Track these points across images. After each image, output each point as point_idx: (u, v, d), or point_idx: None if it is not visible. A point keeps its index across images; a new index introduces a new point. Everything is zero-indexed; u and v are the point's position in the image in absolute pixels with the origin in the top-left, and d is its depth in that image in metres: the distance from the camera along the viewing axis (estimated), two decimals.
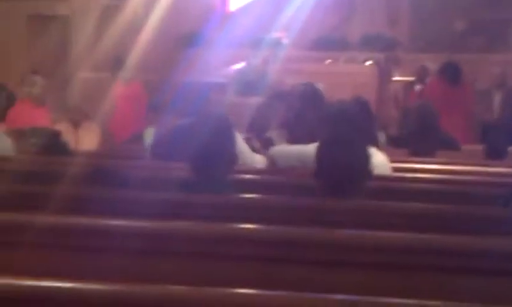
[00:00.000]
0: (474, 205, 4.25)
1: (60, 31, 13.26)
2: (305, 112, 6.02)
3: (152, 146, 6.08)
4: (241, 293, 2.23)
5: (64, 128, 8.93)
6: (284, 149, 5.72)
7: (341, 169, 4.11)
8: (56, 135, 7.07)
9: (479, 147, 8.34)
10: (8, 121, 8.27)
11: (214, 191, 4.13)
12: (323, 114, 5.77)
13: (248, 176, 5.07)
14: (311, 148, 5.30)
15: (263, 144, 6.06)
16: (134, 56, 11.99)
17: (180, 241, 3.17)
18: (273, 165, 5.55)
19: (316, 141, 4.99)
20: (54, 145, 6.75)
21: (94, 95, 11.33)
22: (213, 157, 4.28)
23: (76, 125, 9.16)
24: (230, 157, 4.38)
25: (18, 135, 7.33)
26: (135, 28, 13.04)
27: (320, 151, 4.20)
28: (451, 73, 12.05)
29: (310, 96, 6.34)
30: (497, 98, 12.66)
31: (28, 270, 2.35)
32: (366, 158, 4.23)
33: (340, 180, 4.09)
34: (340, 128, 4.98)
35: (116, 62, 11.66)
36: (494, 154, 7.81)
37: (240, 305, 2.24)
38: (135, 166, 5.26)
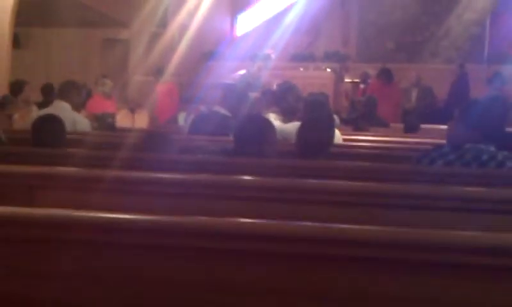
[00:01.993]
0: (397, 163, 4.24)
1: (123, 49, 13.24)
2: (287, 98, 6.00)
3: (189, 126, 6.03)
4: (244, 222, 2.19)
5: (124, 114, 8.91)
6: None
7: (315, 139, 4.11)
8: (107, 117, 7.13)
9: (401, 125, 8.35)
10: (87, 109, 8.25)
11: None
12: (301, 102, 5.75)
13: None
14: (290, 126, 5.29)
15: None
16: (171, 66, 11.99)
17: (202, 187, 3.15)
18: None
19: (295, 120, 4.97)
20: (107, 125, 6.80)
21: (144, 92, 11.30)
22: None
23: (132, 111, 9.14)
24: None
25: (94, 118, 7.31)
26: (172, 47, 13.02)
27: (302, 128, 4.19)
28: (385, 77, 12.06)
29: (288, 89, 6.31)
30: (414, 94, 12.68)
31: (100, 207, 2.32)
32: (332, 132, 4.23)
33: (314, 147, 4.09)
34: (316, 112, 4.96)
35: (158, 70, 11.68)
36: (410, 130, 7.82)
37: (244, 231, 2.19)
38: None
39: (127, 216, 2.20)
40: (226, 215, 2.21)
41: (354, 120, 8.67)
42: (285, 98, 6.01)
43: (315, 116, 4.57)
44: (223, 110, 5.95)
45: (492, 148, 3.67)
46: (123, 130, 6.97)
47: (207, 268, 2.14)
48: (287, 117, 5.76)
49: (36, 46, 13.62)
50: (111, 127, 7.10)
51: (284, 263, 2.11)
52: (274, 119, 5.79)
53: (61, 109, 6.17)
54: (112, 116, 7.65)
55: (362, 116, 8.86)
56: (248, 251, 2.13)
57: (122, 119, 8.48)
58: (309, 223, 2.16)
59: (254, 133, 4.10)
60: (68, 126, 5.43)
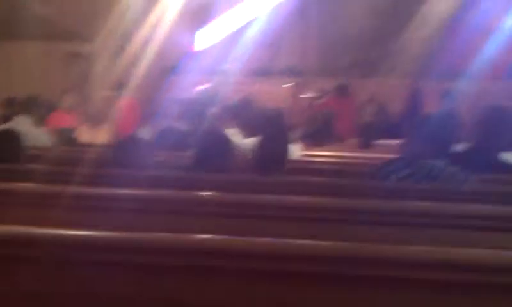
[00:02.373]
0: (351, 178, 4.27)
1: (85, 63, 13.15)
2: (247, 115, 6.00)
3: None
4: (203, 238, 2.18)
5: (85, 129, 8.84)
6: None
7: (271, 155, 4.12)
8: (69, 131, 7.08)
9: (356, 140, 8.41)
10: (49, 123, 8.16)
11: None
12: (258, 118, 5.76)
13: None
14: (249, 142, 5.30)
15: None
16: (133, 81, 11.93)
17: (161, 203, 3.14)
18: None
19: (254, 135, 4.98)
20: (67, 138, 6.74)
21: (106, 106, 11.23)
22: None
23: (94, 126, 9.08)
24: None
25: (55, 133, 7.24)
26: (134, 62, 12.96)
27: (259, 144, 4.19)
28: (341, 92, 12.15)
29: (247, 104, 6.32)
30: (369, 109, 12.79)
31: (59, 223, 2.30)
32: (288, 148, 4.24)
33: (270, 163, 4.10)
34: (270, 128, 4.97)
35: (120, 85, 11.61)
36: (365, 145, 7.88)
37: (202, 247, 2.18)
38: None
39: (86, 233, 2.18)
40: (185, 231, 2.21)
41: (311, 135, 8.71)
42: (242, 113, 6.02)
43: (271, 131, 4.57)
44: (182, 126, 5.93)
45: (442, 164, 3.72)
46: (84, 145, 6.91)
47: (166, 284, 2.13)
48: (245, 132, 5.76)
49: None
50: (72, 142, 7.03)
51: (242, 279, 2.11)
52: (234, 134, 5.80)
53: (22, 124, 6.09)
54: (72, 131, 7.58)
55: (319, 131, 8.90)
56: (206, 267, 2.12)
57: (83, 134, 8.41)
58: (266, 239, 2.16)
59: (213, 149, 4.10)
60: (29, 142, 5.36)
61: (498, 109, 4.67)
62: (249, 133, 5.74)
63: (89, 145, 6.67)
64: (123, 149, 4.48)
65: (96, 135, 8.71)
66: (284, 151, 4.20)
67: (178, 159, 4.69)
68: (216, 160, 4.05)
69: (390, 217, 2.96)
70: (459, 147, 4.34)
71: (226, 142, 4.18)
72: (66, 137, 7.15)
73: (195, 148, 4.25)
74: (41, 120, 6.69)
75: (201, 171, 4.02)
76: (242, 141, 5.63)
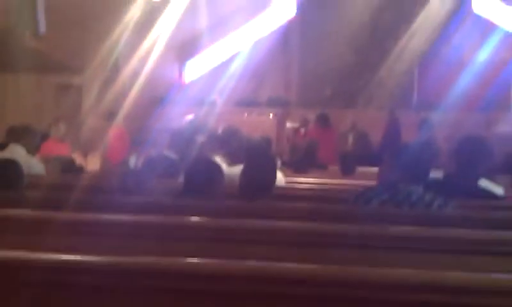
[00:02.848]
0: (333, 203, 4.28)
1: (76, 94, 13.16)
2: (231, 142, 5.99)
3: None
4: (193, 263, 2.18)
5: (77, 156, 8.80)
6: None
7: (256, 182, 4.12)
8: (72, 162, 7.00)
9: (338, 168, 8.42)
10: (41, 152, 8.12)
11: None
12: (244, 146, 5.76)
13: None
14: (235, 170, 5.30)
15: None
16: (122, 110, 11.94)
17: (152, 229, 3.12)
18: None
19: (239, 163, 4.99)
20: (71, 168, 6.68)
21: (97, 135, 11.22)
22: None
23: (85, 154, 9.05)
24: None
25: (47, 161, 7.20)
26: (124, 92, 12.98)
27: (244, 172, 4.20)
28: (323, 121, 12.21)
29: (233, 133, 6.32)
30: (350, 138, 12.87)
31: (53, 249, 2.28)
32: (273, 175, 4.25)
33: (255, 189, 4.10)
34: (256, 157, 4.97)
35: (110, 115, 11.61)
36: (347, 172, 7.90)
37: (190, 270, 2.17)
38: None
39: (78, 257, 2.17)
40: (174, 256, 2.20)
41: (294, 163, 8.73)
42: (228, 142, 6.03)
43: (257, 159, 4.58)
44: (171, 154, 5.92)
45: (420, 189, 3.75)
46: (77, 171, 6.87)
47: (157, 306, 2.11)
48: (231, 160, 5.76)
49: None
50: (78, 170, 6.97)
51: (230, 301, 2.10)
52: (221, 162, 5.79)
53: (16, 152, 6.05)
54: (71, 159, 7.55)
55: (302, 159, 8.92)
56: (195, 290, 2.11)
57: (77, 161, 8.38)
58: (253, 262, 2.16)
59: (202, 175, 4.10)
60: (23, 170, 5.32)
61: (473, 139, 4.74)
62: (235, 160, 5.73)
63: (82, 172, 6.65)
64: (114, 174, 4.48)
65: (88, 163, 8.71)
66: (270, 178, 4.20)
67: (168, 186, 4.68)
68: (204, 186, 4.05)
69: (373, 241, 2.96)
70: (436, 174, 4.37)
71: (215, 168, 4.18)
72: (67, 165, 7.10)
73: (184, 175, 4.24)
74: (34, 149, 6.66)
75: (190, 196, 4.01)
76: (228, 169, 5.62)
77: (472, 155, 4.37)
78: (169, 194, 4.18)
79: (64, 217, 3.16)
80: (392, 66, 15.53)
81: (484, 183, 4.36)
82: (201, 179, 4.06)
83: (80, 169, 7.06)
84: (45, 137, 9.04)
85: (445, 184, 4.27)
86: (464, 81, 13.28)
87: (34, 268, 2.15)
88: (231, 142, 6.01)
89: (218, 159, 5.81)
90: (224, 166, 5.64)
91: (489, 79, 13.62)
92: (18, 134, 6.39)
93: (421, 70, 15.49)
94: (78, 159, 8.72)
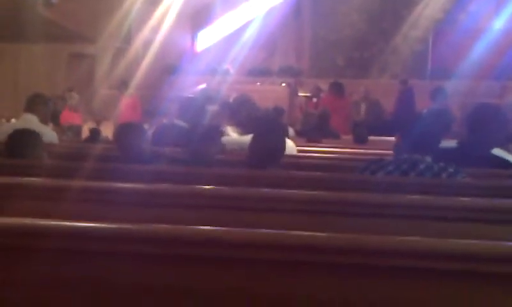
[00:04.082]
0: (347, 172, 4.29)
1: (88, 63, 13.18)
2: (245, 113, 6.02)
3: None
4: (204, 229, 2.21)
5: (90, 126, 8.87)
6: (229, 138, 5.73)
7: (265, 151, 4.14)
8: (97, 131, 7.08)
9: (351, 137, 8.42)
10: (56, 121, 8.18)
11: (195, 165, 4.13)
12: (255, 116, 5.78)
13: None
14: (245, 138, 5.33)
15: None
16: (135, 80, 11.97)
17: (164, 198, 3.15)
18: (223, 148, 5.56)
19: (250, 132, 5.02)
20: (96, 137, 6.75)
21: (109, 104, 11.27)
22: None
23: (98, 123, 9.10)
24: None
25: (61, 130, 7.25)
26: (136, 61, 13.00)
27: (253, 140, 4.22)
28: (336, 90, 12.15)
29: (245, 101, 6.35)
30: (363, 107, 12.82)
31: (66, 216, 2.32)
32: (281, 143, 4.26)
33: (265, 158, 4.12)
34: (265, 125, 5.00)
35: (123, 84, 11.63)
36: (359, 141, 7.90)
37: (203, 237, 2.20)
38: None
39: (93, 224, 2.21)
40: (185, 224, 2.23)
41: (307, 132, 8.74)
42: (239, 111, 6.05)
43: (266, 128, 4.60)
44: (181, 123, 5.95)
45: (429, 159, 3.75)
46: (86, 141, 6.93)
47: (169, 272, 2.15)
48: (243, 129, 5.78)
49: (4, 61, 13.44)
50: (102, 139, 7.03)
51: (242, 269, 2.13)
52: (232, 131, 5.82)
53: (29, 121, 6.09)
54: (80, 128, 7.61)
55: (315, 128, 8.93)
56: (205, 258, 2.15)
57: (88, 132, 8.43)
58: (263, 230, 2.19)
59: (205, 141, 4.18)
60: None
61: (487, 106, 4.71)
62: (246, 129, 5.76)
63: (91, 140, 6.70)
64: (125, 132, 4.56)
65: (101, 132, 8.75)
66: (278, 147, 4.22)
67: (177, 153, 4.72)
68: (208, 152, 4.12)
69: (384, 210, 2.98)
70: (450, 143, 4.36)
71: (218, 134, 4.25)
72: (74, 134, 7.16)
73: (191, 142, 4.31)
74: (47, 118, 6.70)
75: (195, 163, 4.06)
76: (239, 138, 5.65)
77: (486, 123, 4.36)
78: (177, 161, 4.23)
79: (77, 185, 3.20)
80: (406, 33, 15.42)
81: (497, 151, 4.35)
82: (204, 145, 4.14)
83: (105, 139, 7.12)
84: (59, 108, 9.09)
85: (457, 153, 4.26)
86: (479, 49, 13.17)
87: (47, 235, 2.19)
88: (241, 111, 6.03)
89: (230, 129, 5.85)
90: (235, 136, 5.67)
91: (504, 47, 13.51)
92: (31, 103, 6.43)
93: (436, 37, 15.37)
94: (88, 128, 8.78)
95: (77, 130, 8.06)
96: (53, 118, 7.31)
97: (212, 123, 6.18)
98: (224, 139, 5.70)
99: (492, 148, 4.33)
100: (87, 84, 12.96)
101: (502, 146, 4.43)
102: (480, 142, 4.31)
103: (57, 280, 2.16)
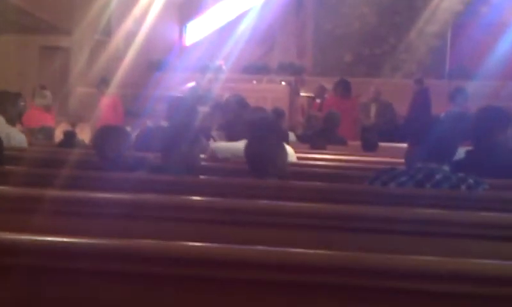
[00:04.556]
0: (351, 183, 4.30)
1: (63, 58, 13.19)
2: (236, 115, 6.04)
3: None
4: (194, 246, 2.22)
5: (64, 128, 8.87)
6: (221, 145, 5.75)
7: (263, 159, 4.16)
8: (72, 134, 7.06)
9: (359, 143, 8.43)
10: (24, 122, 8.18)
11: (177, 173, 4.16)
12: (249, 120, 5.80)
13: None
14: (240, 145, 5.36)
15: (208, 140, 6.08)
16: (116, 76, 11.97)
17: (147, 209, 3.16)
18: (214, 156, 5.59)
19: (243, 139, 5.04)
20: (71, 141, 6.74)
21: (87, 104, 11.29)
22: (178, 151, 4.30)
23: (73, 125, 9.10)
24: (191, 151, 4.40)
25: (30, 132, 7.25)
26: (117, 56, 13.01)
27: (249, 147, 4.24)
28: (342, 90, 12.11)
29: (239, 104, 6.38)
30: (373, 109, 12.84)
31: (40, 230, 2.33)
32: (280, 151, 4.28)
33: (262, 167, 4.14)
34: (261, 131, 5.02)
35: (102, 81, 11.65)
36: (368, 148, 7.91)
37: (191, 254, 2.22)
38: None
39: (71, 240, 2.22)
40: (173, 239, 2.24)
41: (310, 137, 8.76)
42: (235, 113, 6.08)
43: (262, 133, 4.63)
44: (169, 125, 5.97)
45: (446, 168, 3.75)
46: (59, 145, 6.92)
47: (153, 293, 2.16)
48: (236, 133, 5.79)
49: None
50: (78, 144, 7.04)
51: (236, 290, 2.15)
52: (219, 137, 5.88)
53: None
54: (52, 130, 7.61)
55: (319, 133, 8.94)
56: (196, 276, 2.16)
57: (61, 134, 8.43)
58: (260, 247, 2.20)
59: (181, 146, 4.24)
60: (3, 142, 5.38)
61: (489, 110, 4.72)
62: (240, 135, 5.77)
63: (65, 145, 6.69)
64: (105, 136, 4.59)
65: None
66: (277, 154, 4.24)
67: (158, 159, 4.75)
68: (191, 158, 4.17)
69: (396, 225, 2.99)
70: (462, 151, 4.37)
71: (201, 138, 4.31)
72: (46, 137, 7.16)
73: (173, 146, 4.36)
74: (15, 118, 6.70)
75: (177, 170, 4.11)
76: (233, 143, 5.67)
77: (492, 126, 4.38)
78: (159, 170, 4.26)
79: (51, 195, 3.20)
80: (422, 28, 15.46)
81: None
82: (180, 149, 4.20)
83: (81, 144, 7.12)
84: (28, 105, 9.09)
85: (470, 162, 4.26)
86: (504, 46, 13.20)
87: (19, 252, 2.20)
88: (237, 113, 6.05)
89: (217, 134, 5.90)
90: (223, 143, 5.73)
91: None
92: None
93: (455, 33, 15.41)
94: (62, 131, 8.78)
95: (49, 132, 8.06)
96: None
97: (201, 125, 6.21)
98: (214, 145, 5.72)
99: (504, 154, 4.34)
100: (61, 80, 12.96)
101: None
102: (488, 149, 4.32)
103: (31, 301, 2.17)
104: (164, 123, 6.17)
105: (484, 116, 4.54)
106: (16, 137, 6.40)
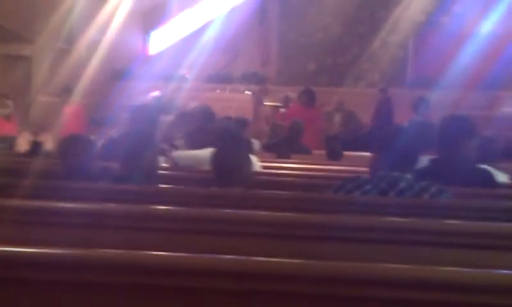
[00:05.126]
0: (316, 192, 4.30)
1: (25, 66, 13.06)
2: (201, 125, 6.04)
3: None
4: (158, 255, 2.21)
5: (26, 138, 8.77)
6: (183, 153, 5.74)
7: (228, 168, 4.16)
8: (39, 144, 7.02)
9: (323, 152, 8.45)
10: None
11: (137, 183, 4.15)
12: (214, 129, 5.80)
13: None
14: (204, 153, 5.35)
15: (170, 149, 6.06)
16: (79, 85, 11.90)
17: (112, 218, 3.14)
18: (175, 165, 5.58)
19: (207, 148, 5.04)
20: (37, 151, 6.69)
21: (49, 113, 11.18)
22: (138, 160, 4.29)
23: (35, 135, 8.99)
24: (150, 159, 4.39)
25: None
26: (80, 65, 12.92)
27: (216, 155, 4.24)
28: (306, 99, 12.16)
29: (205, 113, 6.38)
30: (336, 119, 12.91)
31: (2, 240, 2.30)
32: (246, 160, 4.28)
33: (228, 176, 4.14)
34: (225, 140, 5.02)
35: (65, 90, 11.57)
36: (333, 157, 7.95)
37: (156, 263, 2.20)
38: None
39: (31, 250, 2.19)
40: (139, 248, 2.23)
41: (275, 146, 8.77)
42: (200, 122, 6.07)
43: (229, 141, 4.64)
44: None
45: (409, 177, 3.78)
46: (24, 155, 6.86)
47: (115, 303, 2.15)
48: (197, 142, 5.78)
49: None
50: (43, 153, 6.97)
51: (198, 298, 2.14)
52: (183, 146, 5.87)
53: None
54: (13, 139, 7.53)
55: (284, 142, 8.96)
56: (160, 286, 2.15)
57: (24, 144, 8.34)
58: (225, 256, 2.19)
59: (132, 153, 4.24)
60: None
61: (454, 119, 4.76)
62: (202, 143, 5.76)
63: (31, 155, 6.63)
64: (70, 146, 4.56)
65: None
66: (242, 163, 4.24)
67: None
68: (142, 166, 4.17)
69: (360, 233, 3.00)
70: (425, 159, 4.41)
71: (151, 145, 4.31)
72: (7, 146, 7.08)
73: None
74: None
75: (129, 179, 4.10)
76: (197, 152, 5.67)
77: (456, 137, 4.42)
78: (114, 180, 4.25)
79: (14, 204, 3.17)
80: (385, 38, 15.59)
81: (483, 168, 4.42)
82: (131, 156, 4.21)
83: (48, 153, 7.05)
84: None
85: (433, 171, 4.30)
86: (466, 56, 13.35)
87: None
88: (202, 122, 6.05)
89: (181, 142, 5.88)
90: (187, 152, 5.72)
91: (493, 54, 13.70)
92: None
93: (417, 42, 15.57)
94: (27, 140, 8.68)
95: (10, 142, 7.98)
96: None
97: (165, 134, 6.19)
98: (175, 154, 5.71)
99: (467, 164, 4.38)
100: (23, 89, 12.83)
101: (491, 163, 4.50)
102: (452, 158, 4.36)
103: None
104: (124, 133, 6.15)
105: (449, 125, 4.58)
106: None
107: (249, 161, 4.34)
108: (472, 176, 4.33)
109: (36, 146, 6.93)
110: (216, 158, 4.23)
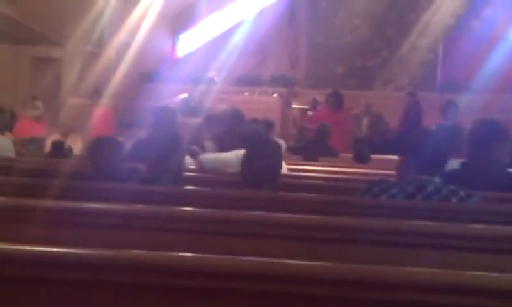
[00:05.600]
0: (343, 195, 4.28)
1: (55, 69, 13.17)
2: (230, 128, 6.05)
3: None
4: (185, 256, 2.22)
5: (55, 139, 8.84)
6: (209, 156, 5.76)
7: (258, 171, 4.17)
8: (61, 144, 7.07)
9: (350, 155, 8.44)
10: (15, 133, 8.16)
11: (164, 185, 4.17)
12: (243, 131, 5.81)
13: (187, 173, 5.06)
14: (230, 155, 5.36)
15: (200, 152, 6.08)
16: (108, 88, 11.97)
17: (140, 219, 3.16)
18: (201, 168, 5.60)
19: (234, 150, 5.05)
20: (59, 150, 6.74)
21: (79, 115, 11.27)
22: (165, 162, 4.32)
23: (65, 136, 9.06)
24: (177, 161, 4.42)
25: (21, 143, 7.24)
26: (109, 67, 13.01)
27: (245, 159, 4.25)
28: (334, 102, 12.13)
29: (234, 116, 6.40)
30: (364, 122, 12.87)
31: (32, 240, 2.32)
32: (275, 162, 4.30)
33: (258, 179, 4.15)
34: (257, 143, 5.03)
35: (95, 92, 11.65)
36: (360, 160, 7.93)
37: (183, 265, 2.22)
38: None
39: (59, 250, 2.21)
40: (166, 249, 2.24)
41: (302, 148, 8.77)
42: (229, 125, 6.09)
43: (260, 144, 4.64)
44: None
45: (437, 180, 3.77)
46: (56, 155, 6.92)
47: (144, 304, 2.16)
48: (225, 144, 5.80)
49: None
50: (66, 153, 7.03)
51: (226, 300, 2.15)
52: (211, 148, 5.88)
53: None
54: (43, 140, 7.59)
55: (311, 144, 8.96)
56: (188, 287, 2.16)
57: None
58: (252, 258, 2.20)
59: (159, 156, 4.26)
60: None
61: (485, 123, 4.74)
62: (230, 146, 5.78)
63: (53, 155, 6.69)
64: (100, 147, 4.61)
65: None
66: (274, 166, 4.25)
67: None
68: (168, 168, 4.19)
69: (388, 237, 2.99)
70: (452, 164, 4.38)
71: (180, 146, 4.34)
72: (36, 147, 7.15)
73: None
74: (3, 128, 6.69)
75: (155, 181, 4.13)
76: (225, 154, 5.68)
77: (487, 141, 4.40)
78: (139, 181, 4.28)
79: (44, 205, 3.20)
80: (414, 41, 15.52)
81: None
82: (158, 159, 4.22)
83: (69, 152, 7.11)
84: (15, 115, 9.07)
85: (463, 175, 4.29)
86: (496, 60, 13.25)
87: (11, 263, 2.20)
88: (231, 125, 6.06)
89: (209, 145, 5.89)
90: (214, 154, 5.73)
91: None
92: None
93: (446, 46, 15.47)
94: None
95: (39, 143, 8.05)
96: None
97: (193, 136, 6.22)
98: (202, 157, 5.73)
99: (498, 168, 4.36)
100: (53, 91, 12.94)
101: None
102: (483, 162, 4.34)
103: None
104: (152, 134, 6.19)
105: (479, 129, 4.56)
106: (4, 146, 6.38)
107: (279, 164, 4.35)
108: (501, 181, 4.31)
109: (57, 146, 6.99)
110: (246, 160, 4.24)
